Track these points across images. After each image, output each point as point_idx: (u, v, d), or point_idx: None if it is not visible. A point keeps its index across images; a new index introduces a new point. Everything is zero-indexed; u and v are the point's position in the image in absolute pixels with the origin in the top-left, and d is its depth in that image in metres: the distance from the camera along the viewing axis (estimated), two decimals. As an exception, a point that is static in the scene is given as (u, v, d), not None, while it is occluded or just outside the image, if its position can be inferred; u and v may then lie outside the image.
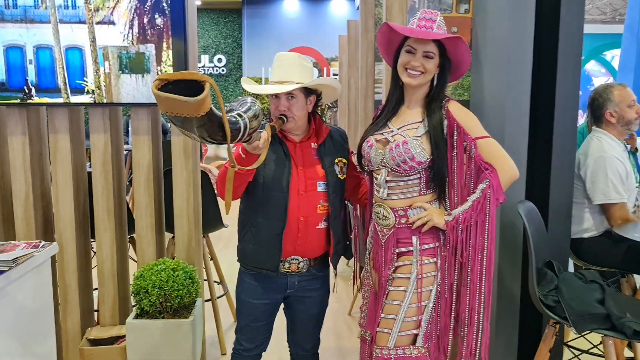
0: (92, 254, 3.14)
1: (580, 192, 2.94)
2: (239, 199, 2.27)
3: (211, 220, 3.50)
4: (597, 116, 3.08)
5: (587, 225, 2.95)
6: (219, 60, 13.01)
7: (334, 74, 11.58)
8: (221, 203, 2.32)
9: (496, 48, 2.59)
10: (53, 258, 2.93)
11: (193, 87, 1.54)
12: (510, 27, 2.53)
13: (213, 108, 1.63)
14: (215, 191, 3.33)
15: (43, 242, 2.22)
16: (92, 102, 2.80)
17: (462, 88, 2.91)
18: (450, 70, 2.08)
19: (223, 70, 13.04)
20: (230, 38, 13.04)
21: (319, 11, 12.10)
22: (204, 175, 3.27)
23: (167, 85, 1.54)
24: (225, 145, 1.76)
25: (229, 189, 1.95)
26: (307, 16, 12.09)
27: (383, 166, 2.07)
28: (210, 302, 3.57)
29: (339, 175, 2.25)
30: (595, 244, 2.92)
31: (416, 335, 2.04)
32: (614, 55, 13.01)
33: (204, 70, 12.96)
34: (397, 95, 2.14)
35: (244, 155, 2.02)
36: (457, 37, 1.99)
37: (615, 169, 2.86)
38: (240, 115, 1.78)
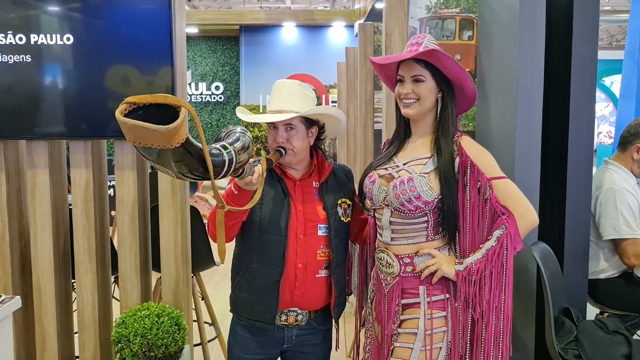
0: (74, 295, 2.94)
1: (595, 229, 2.75)
2: (234, 242, 2.06)
3: (201, 258, 3.30)
4: (623, 143, 2.90)
5: (603, 265, 2.76)
6: (217, 87, 12.91)
7: (332, 102, 11.47)
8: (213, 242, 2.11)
9: (503, 77, 2.42)
10: (28, 302, 2.74)
11: (167, 114, 1.32)
12: (518, 55, 2.36)
13: (191, 138, 1.41)
14: (206, 228, 3.15)
15: (3, 297, 1.98)
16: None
17: (466, 118, 2.74)
18: (453, 93, 1.88)
19: (220, 97, 12.93)
20: (228, 65, 12.95)
21: (317, 38, 12.02)
22: (193, 209, 3.08)
23: (136, 111, 1.31)
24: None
25: (220, 234, 1.72)
26: (305, 43, 12.02)
27: (386, 205, 1.88)
28: (200, 346, 3.35)
29: (342, 218, 2.04)
30: (613, 286, 2.72)
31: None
32: (612, 81, 12.97)
33: (202, 98, 12.84)
34: (403, 131, 1.97)
35: (236, 192, 1.82)
36: (432, 50, 1.79)
37: (625, 202, 2.68)
38: (225, 147, 1.56)
